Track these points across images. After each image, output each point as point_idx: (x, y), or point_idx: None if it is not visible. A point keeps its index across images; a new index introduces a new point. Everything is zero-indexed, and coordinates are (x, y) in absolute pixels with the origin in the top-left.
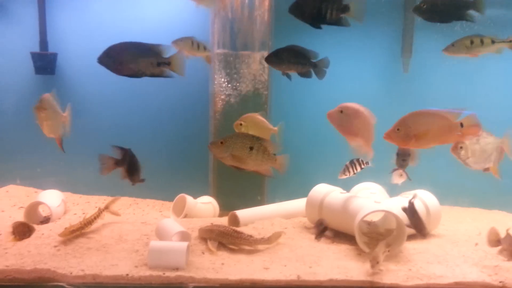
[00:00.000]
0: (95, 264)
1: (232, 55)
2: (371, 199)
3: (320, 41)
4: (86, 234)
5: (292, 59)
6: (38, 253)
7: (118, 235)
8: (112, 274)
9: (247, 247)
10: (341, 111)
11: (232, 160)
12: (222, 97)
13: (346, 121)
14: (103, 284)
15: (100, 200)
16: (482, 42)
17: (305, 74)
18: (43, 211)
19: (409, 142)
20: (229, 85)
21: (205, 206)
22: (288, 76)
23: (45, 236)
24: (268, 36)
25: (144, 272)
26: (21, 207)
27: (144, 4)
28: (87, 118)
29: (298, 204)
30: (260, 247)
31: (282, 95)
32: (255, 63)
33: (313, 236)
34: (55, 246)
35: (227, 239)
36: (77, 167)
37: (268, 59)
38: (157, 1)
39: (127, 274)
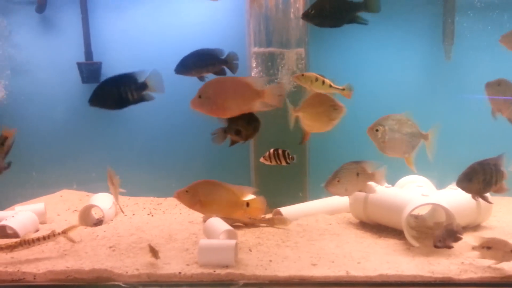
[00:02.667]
0: (148, 263)
1: (269, 54)
2: (418, 192)
3: (359, 31)
4: (137, 234)
5: (200, 63)
6: (95, 254)
7: (168, 235)
8: (165, 273)
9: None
10: (199, 96)
11: (345, 192)
12: None
13: (210, 103)
14: (157, 282)
15: (148, 201)
16: (323, 82)
17: (218, 73)
18: (95, 214)
19: (195, 206)
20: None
21: None
22: (202, 79)
23: (99, 237)
24: (304, 33)
25: (196, 270)
26: (75, 210)
27: (182, 10)
28: (132, 123)
29: (342, 200)
30: (262, 224)
31: None
32: (292, 60)
33: (359, 232)
34: (110, 247)
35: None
36: (125, 170)
37: (177, 69)
38: (194, 7)
39: (180, 272)
